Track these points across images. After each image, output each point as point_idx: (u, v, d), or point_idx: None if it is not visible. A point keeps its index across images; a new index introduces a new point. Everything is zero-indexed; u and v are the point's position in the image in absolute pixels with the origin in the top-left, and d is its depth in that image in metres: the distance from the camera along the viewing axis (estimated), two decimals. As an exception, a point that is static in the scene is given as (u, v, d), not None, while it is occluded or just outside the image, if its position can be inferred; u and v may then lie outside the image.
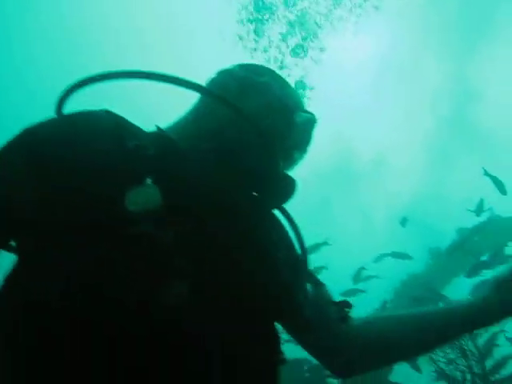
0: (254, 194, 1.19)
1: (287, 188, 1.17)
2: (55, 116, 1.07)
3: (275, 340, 1.03)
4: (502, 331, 5.27)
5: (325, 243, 9.02)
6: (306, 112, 1.25)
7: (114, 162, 0.94)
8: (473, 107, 15.47)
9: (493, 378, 4.41)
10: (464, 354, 4.44)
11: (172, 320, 0.80)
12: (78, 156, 0.92)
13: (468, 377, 4.47)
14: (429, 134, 16.76)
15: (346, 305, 1.24)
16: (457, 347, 4.59)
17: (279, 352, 1.03)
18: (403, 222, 10.00)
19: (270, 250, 1.12)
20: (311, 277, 1.28)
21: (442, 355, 4.89)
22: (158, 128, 1.12)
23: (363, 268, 8.78)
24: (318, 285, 1.28)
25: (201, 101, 1.22)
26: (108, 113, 1.05)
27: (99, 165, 0.92)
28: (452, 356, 4.79)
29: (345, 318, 1.23)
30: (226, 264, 0.96)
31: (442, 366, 4.89)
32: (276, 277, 1.09)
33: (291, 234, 1.23)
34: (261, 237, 1.12)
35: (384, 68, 17.16)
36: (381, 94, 18.33)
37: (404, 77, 17.14)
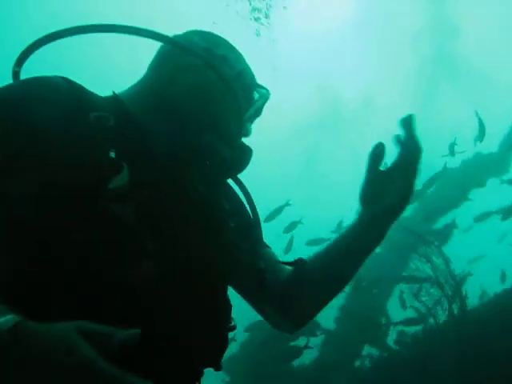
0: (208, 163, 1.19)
1: (244, 157, 1.20)
2: (13, 83, 1.05)
3: (228, 308, 1.10)
4: (470, 274, 5.69)
5: (287, 204, 9.36)
6: (262, 88, 1.27)
7: (80, 137, 0.90)
8: (453, 43, 15.38)
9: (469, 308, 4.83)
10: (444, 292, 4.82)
11: (140, 297, 0.83)
12: (45, 132, 0.89)
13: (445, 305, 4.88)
14: (412, 71, 16.70)
15: (301, 262, 1.27)
16: (435, 282, 5.01)
17: (230, 320, 1.09)
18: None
19: (223, 219, 1.15)
20: (263, 243, 1.33)
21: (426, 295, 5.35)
22: (115, 95, 1.11)
23: (342, 221, 9.00)
24: (267, 249, 1.34)
25: (161, 61, 1.19)
26: (65, 80, 1.00)
27: (68, 141, 0.89)
28: (434, 292, 5.24)
29: (300, 276, 1.27)
30: (187, 239, 0.99)
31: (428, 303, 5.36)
32: (230, 246, 1.12)
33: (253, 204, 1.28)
34: (215, 207, 1.15)
35: (364, 11, 16.91)
36: (363, 37, 18.12)
37: (385, 18, 16.90)
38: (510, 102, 14.41)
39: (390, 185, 1.18)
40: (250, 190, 1.30)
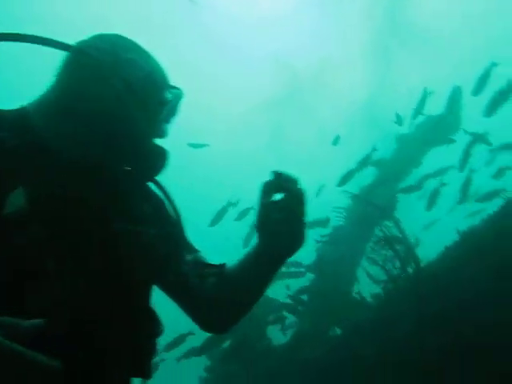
0: (127, 168, 1.19)
1: (159, 160, 1.20)
2: None
3: (149, 316, 1.11)
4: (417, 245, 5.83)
5: (230, 204, 10.31)
6: (174, 88, 1.27)
7: None
8: (405, 8, 15.53)
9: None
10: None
11: (52, 319, 0.79)
12: None
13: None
14: (369, 39, 16.82)
15: (219, 268, 1.31)
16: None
17: (154, 326, 1.11)
18: (335, 140, 10.00)
19: (142, 226, 1.13)
20: (188, 246, 1.34)
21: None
22: (22, 108, 1.10)
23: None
24: (194, 252, 1.34)
25: (65, 69, 1.15)
26: None
27: None
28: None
29: (220, 281, 1.30)
30: (98, 253, 0.99)
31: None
32: (151, 253, 1.12)
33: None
34: (132, 214, 1.13)
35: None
36: (321, 11, 18.14)
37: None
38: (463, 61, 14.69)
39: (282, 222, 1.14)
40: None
